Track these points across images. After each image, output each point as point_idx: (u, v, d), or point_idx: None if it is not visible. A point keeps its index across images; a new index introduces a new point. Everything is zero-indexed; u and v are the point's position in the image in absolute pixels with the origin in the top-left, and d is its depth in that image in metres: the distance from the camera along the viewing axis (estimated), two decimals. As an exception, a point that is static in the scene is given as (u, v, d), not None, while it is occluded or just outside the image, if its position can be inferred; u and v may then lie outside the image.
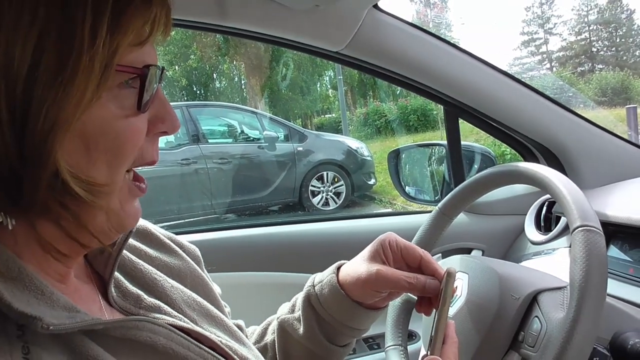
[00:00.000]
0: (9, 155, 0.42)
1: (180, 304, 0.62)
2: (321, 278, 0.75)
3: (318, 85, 15.99)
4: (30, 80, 0.41)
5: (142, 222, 0.69)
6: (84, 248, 0.51)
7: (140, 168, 0.53)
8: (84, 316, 0.47)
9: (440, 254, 1.44)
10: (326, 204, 6.95)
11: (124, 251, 0.61)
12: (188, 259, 0.70)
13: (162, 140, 6.29)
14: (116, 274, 0.58)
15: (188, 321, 0.60)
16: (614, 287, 1.03)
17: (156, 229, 0.70)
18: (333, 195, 6.99)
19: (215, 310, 0.67)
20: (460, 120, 1.46)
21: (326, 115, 16.22)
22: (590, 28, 31.59)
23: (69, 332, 0.46)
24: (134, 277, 0.61)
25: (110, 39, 0.43)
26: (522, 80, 1.34)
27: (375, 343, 1.39)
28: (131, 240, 0.64)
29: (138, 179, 0.53)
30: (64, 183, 0.44)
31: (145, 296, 0.59)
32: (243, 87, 15.53)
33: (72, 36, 0.42)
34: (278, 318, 0.79)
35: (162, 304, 0.60)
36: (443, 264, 0.92)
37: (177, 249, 0.70)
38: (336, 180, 6.99)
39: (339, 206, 6.96)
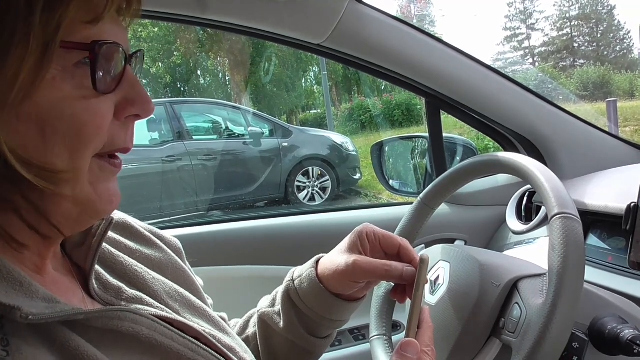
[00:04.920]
0: None
1: (162, 295, 0.62)
2: (300, 272, 0.75)
3: (303, 81, 15.97)
4: None
5: (122, 216, 0.68)
6: (45, 239, 0.49)
7: (123, 165, 0.52)
8: (63, 307, 0.47)
9: (423, 245, 1.45)
10: (312, 199, 6.94)
11: (104, 244, 0.60)
12: (169, 251, 0.70)
13: (146, 138, 6.26)
14: (96, 266, 0.57)
15: (170, 312, 0.60)
16: (593, 274, 1.05)
17: (136, 222, 0.70)
18: (319, 191, 6.98)
19: (198, 301, 0.67)
20: (444, 114, 1.47)
21: (311, 111, 16.20)
22: (572, 24, 32.00)
23: (49, 323, 0.45)
24: (114, 269, 0.60)
25: (49, 14, 0.41)
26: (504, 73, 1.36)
27: (360, 334, 1.40)
28: (111, 234, 0.64)
29: (112, 155, 0.50)
30: (11, 169, 0.42)
31: (127, 288, 0.58)
32: (227, 83, 15.45)
33: (5, 11, 0.40)
34: (258, 311, 0.79)
35: (143, 296, 0.59)
36: (425, 253, 0.92)
37: (158, 241, 0.70)
38: (321, 175, 6.98)
39: (325, 201, 6.95)
